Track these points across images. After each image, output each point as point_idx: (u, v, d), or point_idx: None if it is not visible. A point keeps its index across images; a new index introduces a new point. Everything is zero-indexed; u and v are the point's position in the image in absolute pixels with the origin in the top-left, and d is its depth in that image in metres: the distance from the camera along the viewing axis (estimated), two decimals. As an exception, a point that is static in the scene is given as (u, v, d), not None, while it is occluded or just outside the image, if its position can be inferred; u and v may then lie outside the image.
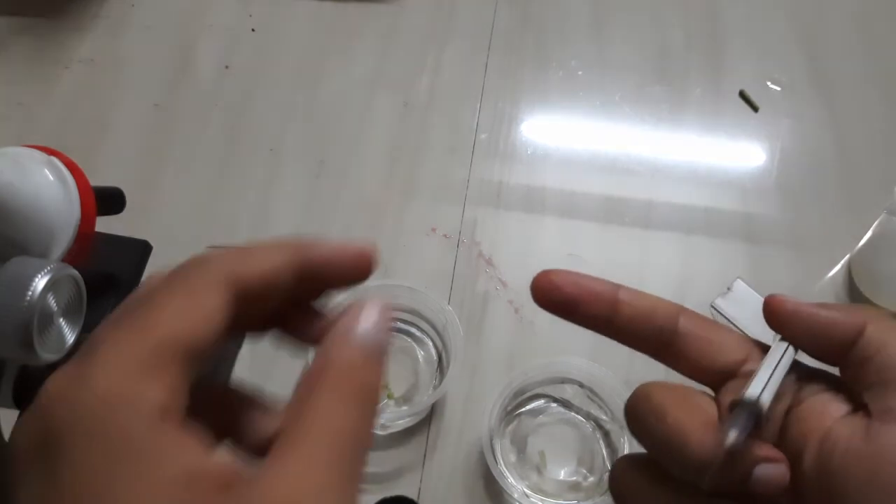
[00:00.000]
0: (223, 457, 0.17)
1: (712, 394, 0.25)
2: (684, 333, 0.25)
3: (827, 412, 0.23)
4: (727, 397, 0.24)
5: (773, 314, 0.25)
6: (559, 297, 0.25)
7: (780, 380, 0.23)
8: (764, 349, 0.26)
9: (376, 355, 0.20)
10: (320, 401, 0.19)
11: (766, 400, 0.22)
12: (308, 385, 0.19)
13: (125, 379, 0.17)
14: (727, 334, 0.26)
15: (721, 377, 0.25)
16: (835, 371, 0.25)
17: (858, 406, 0.23)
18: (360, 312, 0.21)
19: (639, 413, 0.25)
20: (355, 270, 0.22)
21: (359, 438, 0.19)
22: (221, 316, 0.19)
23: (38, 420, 0.17)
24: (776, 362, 0.24)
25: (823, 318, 0.24)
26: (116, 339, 0.18)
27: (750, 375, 0.24)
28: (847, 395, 0.24)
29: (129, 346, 0.17)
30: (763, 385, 0.23)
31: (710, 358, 0.25)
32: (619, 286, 0.25)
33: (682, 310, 0.26)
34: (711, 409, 0.24)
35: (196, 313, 0.19)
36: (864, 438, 0.22)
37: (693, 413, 0.24)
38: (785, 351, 0.24)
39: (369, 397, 0.20)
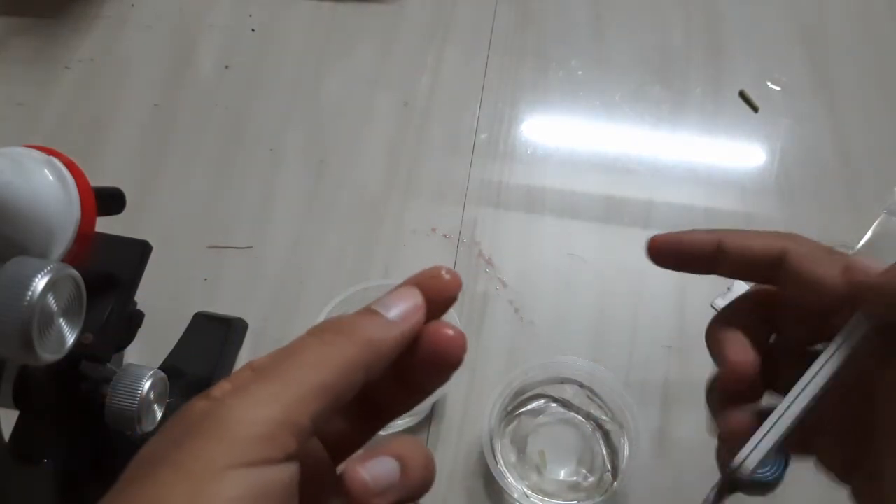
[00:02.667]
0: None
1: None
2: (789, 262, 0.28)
3: None
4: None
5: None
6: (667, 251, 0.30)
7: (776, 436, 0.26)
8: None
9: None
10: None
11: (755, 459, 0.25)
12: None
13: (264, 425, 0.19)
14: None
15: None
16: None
17: None
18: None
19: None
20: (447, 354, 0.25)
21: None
22: (357, 384, 0.22)
23: (173, 422, 0.20)
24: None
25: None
26: (263, 386, 0.20)
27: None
28: None
29: (274, 400, 0.20)
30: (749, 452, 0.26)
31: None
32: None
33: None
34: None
35: (334, 387, 0.21)
36: None
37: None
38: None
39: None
